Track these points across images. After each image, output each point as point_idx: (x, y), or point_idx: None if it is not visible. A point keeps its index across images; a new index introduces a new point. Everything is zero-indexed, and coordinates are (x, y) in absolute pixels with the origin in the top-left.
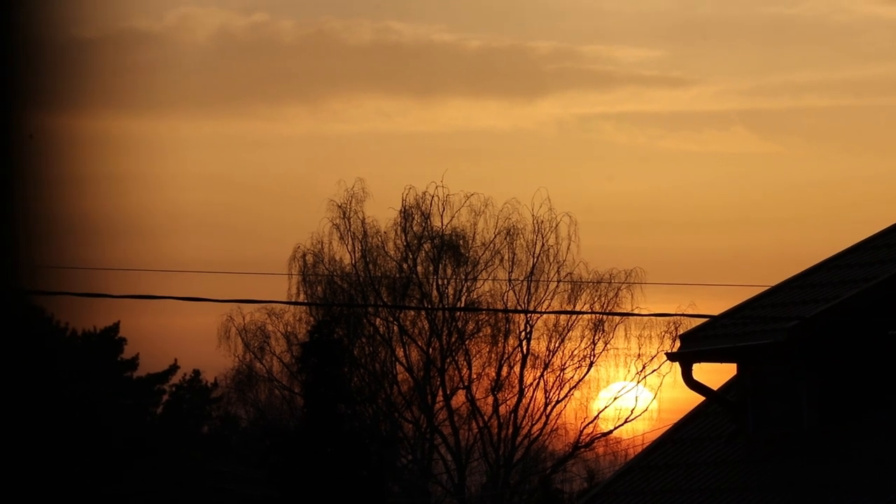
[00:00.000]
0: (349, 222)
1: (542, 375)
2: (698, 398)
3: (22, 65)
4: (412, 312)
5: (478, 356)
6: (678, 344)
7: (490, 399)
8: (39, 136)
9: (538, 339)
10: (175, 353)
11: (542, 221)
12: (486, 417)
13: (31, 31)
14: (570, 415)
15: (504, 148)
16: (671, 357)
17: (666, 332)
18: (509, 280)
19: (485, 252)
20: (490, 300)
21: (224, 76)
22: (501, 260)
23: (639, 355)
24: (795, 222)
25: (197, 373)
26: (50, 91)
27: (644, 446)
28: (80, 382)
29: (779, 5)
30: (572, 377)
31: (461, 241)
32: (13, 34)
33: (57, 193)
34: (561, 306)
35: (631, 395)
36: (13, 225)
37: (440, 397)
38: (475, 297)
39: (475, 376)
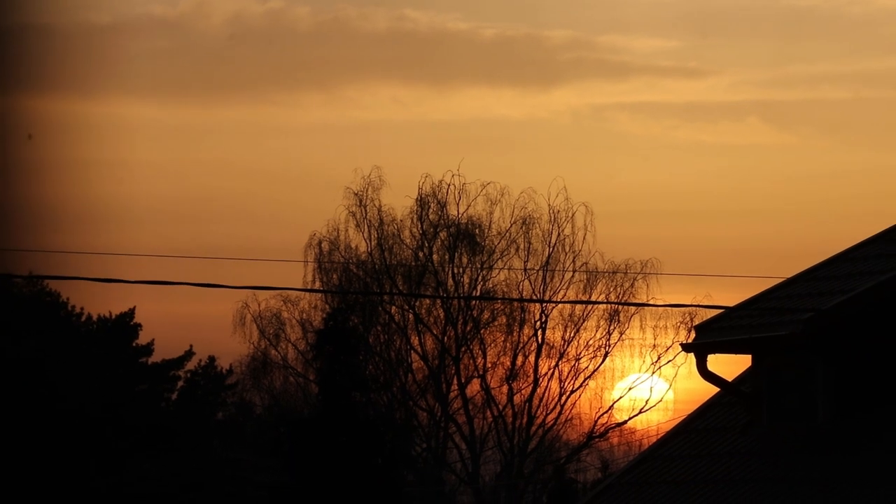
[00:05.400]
0: (365, 210)
1: (557, 365)
2: (713, 389)
3: (35, 51)
4: (427, 301)
5: (493, 345)
6: (693, 335)
7: (505, 388)
8: (60, 123)
9: (553, 328)
10: (190, 339)
11: (559, 211)
12: (500, 406)
13: (44, 16)
14: (584, 405)
15: (519, 137)
16: (686, 348)
17: (681, 322)
18: (525, 269)
19: (501, 241)
20: (506, 289)
21: (239, 63)
22: (517, 249)
23: (654, 346)
24: (811, 214)
25: (212, 359)
26: (68, 76)
27: (658, 436)
28: (96, 367)
29: None
30: (587, 367)
31: (477, 230)
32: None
33: (69, 177)
34: (576, 296)
35: (646, 385)
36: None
37: (455, 386)
38: (491, 286)
39: (490, 365)
